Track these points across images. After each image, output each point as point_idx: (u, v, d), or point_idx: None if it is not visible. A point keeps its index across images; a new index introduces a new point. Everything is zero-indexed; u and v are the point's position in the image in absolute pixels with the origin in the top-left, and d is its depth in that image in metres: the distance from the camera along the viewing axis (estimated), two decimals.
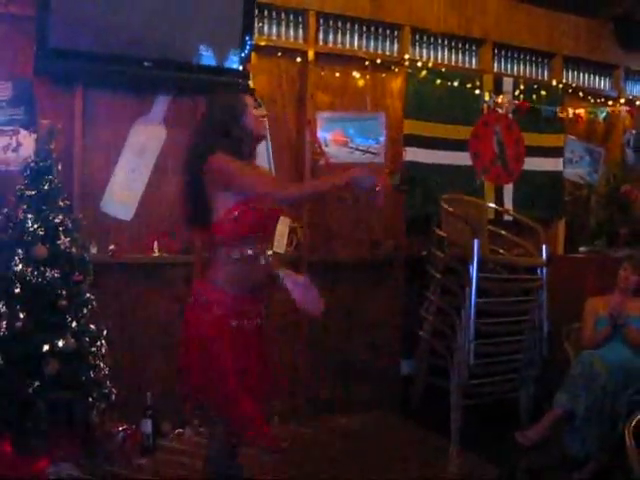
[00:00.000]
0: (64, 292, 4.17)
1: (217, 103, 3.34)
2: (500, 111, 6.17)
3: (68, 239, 4.23)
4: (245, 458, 4.01)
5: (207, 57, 4.92)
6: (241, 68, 5.01)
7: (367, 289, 5.77)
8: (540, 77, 6.62)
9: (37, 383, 4.02)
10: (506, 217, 6.09)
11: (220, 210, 3.16)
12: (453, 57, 6.22)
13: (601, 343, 4.82)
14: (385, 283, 5.82)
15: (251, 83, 5.14)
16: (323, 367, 5.59)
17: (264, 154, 5.32)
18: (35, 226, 4.14)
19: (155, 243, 4.98)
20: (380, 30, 5.86)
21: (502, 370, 5.25)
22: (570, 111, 6.48)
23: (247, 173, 3.17)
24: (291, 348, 5.46)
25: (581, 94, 6.67)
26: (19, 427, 4.04)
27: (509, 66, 6.50)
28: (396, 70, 5.82)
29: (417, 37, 6.02)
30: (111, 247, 4.83)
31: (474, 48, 6.29)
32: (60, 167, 4.36)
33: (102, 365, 4.32)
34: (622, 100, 6.83)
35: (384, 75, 5.81)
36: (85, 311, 4.29)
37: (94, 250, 4.75)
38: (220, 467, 3.32)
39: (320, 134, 5.51)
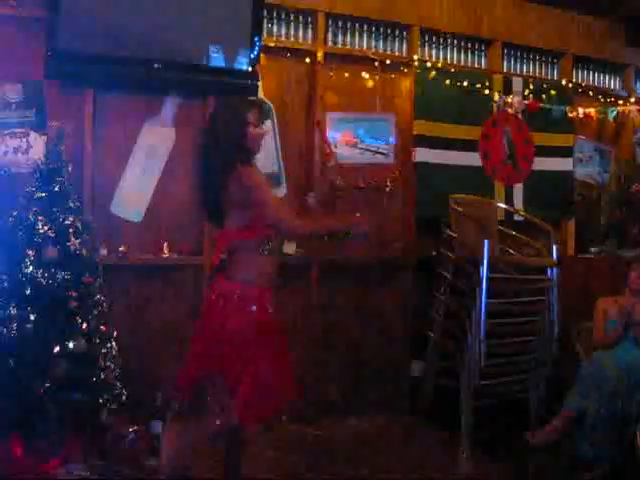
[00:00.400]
0: (74, 294, 4.18)
1: (222, 118, 3.52)
2: (510, 111, 6.15)
3: (78, 241, 4.24)
4: (251, 457, 4.05)
5: (216, 58, 4.93)
6: (250, 69, 5.01)
7: (377, 290, 5.76)
8: (550, 77, 6.61)
9: (47, 384, 4.04)
10: (516, 217, 6.07)
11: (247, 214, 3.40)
12: (462, 57, 6.22)
13: (612, 344, 4.80)
14: (395, 284, 5.82)
15: (260, 84, 5.15)
16: (332, 368, 5.59)
17: (273, 155, 5.33)
18: (45, 228, 4.16)
19: (165, 244, 4.99)
20: (389, 30, 5.86)
21: (512, 371, 5.23)
22: (580, 111, 6.45)
23: (271, 196, 3.47)
24: (300, 349, 5.46)
25: (591, 93, 6.64)
26: (29, 428, 4.06)
27: (518, 66, 6.49)
28: (405, 70, 5.81)
29: (426, 37, 6.02)
30: (121, 249, 4.84)
31: (483, 48, 6.28)
32: (70, 169, 4.38)
33: (112, 366, 4.33)
34: (632, 99, 6.79)
35: (393, 76, 5.80)
36: (95, 312, 4.30)
37: (104, 252, 4.77)
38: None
39: (329, 135, 5.50)
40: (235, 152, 3.40)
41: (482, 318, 4.98)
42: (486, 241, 5.00)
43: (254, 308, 3.38)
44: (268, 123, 5.28)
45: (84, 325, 4.21)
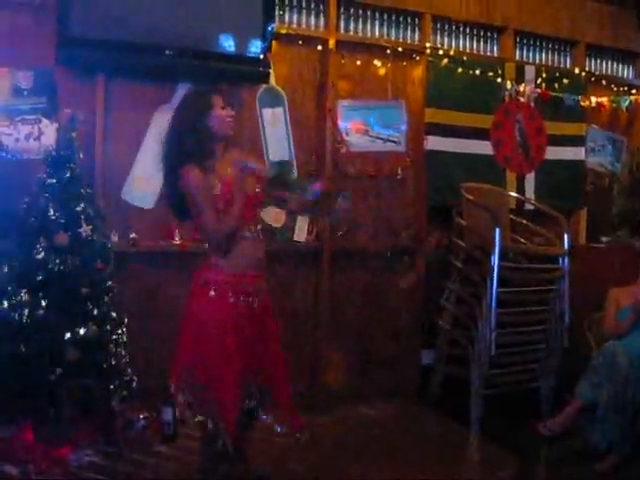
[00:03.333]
0: (86, 280, 4.20)
1: (185, 102, 3.61)
2: (522, 100, 6.11)
3: (90, 227, 4.26)
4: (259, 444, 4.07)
5: (228, 45, 4.92)
6: (262, 56, 5.00)
7: (387, 278, 5.76)
8: (562, 65, 6.55)
9: (59, 371, 4.06)
10: (528, 206, 6.05)
11: None
12: (474, 45, 6.17)
13: (624, 333, 4.78)
14: (405, 272, 5.81)
15: (272, 71, 5.13)
16: (342, 355, 5.59)
17: (284, 142, 5.32)
18: (57, 214, 4.17)
19: (176, 231, 4.99)
20: (401, 18, 5.82)
21: (523, 360, 5.23)
22: (593, 99, 6.41)
23: (205, 207, 3.36)
24: (311, 336, 5.46)
25: (604, 82, 6.59)
26: (41, 414, 4.08)
27: (531, 54, 6.43)
28: (417, 58, 5.78)
29: (438, 25, 5.97)
30: (132, 235, 4.85)
31: (495, 36, 6.23)
32: (81, 155, 4.38)
33: (123, 353, 4.35)
34: None
35: (405, 63, 5.77)
36: (106, 299, 4.32)
37: (115, 238, 4.77)
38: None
39: (341, 123, 5.49)
40: (192, 141, 3.41)
41: (493, 307, 4.99)
42: (497, 230, 4.99)
43: (212, 294, 3.42)
44: (279, 110, 5.28)
45: (95, 311, 4.23)
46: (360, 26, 5.70)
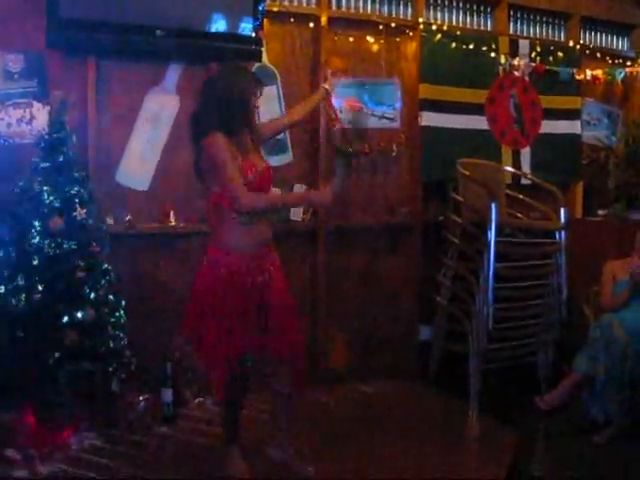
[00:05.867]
0: (82, 263, 4.20)
1: (237, 73, 3.72)
2: (516, 74, 6.08)
3: (84, 210, 4.25)
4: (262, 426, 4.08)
5: (219, 25, 4.89)
6: (254, 35, 4.97)
7: (384, 256, 5.76)
8: (557, 38, 6.51)
9: (57, 354, 4.07)
10: (524, 181, 6.04)
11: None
12: (468, 20, 6.12)
13: (620, 306, 4.79)
14: (402, 249, 5.81)
15: (264, 50, 5.10)
16: (340, 334, 5.59)
17: None
18: (51, 198, 4.16)
19: (171, 213, 4.97)
20: None
21: (521, 334, 5.23)
22: (588, 73, 6.37)
23: (228, 172, 3.46)
24: (309, 316, 5.46)
25: (599, 55, 6.55)
26: (41, 398, 4.09)
27: (525, 28, 6.38)
28: (411, 34, 5.74)
29: (431, 0, 5.93)
30: (127, 217, 4.83)
31: (489, 10, 6.19)
32: (74, 138, 4.37)
33: (121, 335, 4.36)
34: None
35: (398, 39, 5.73)
36: (103, 282, 4.32)
37: (110, 221, 4.76)
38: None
39: (334, 100, 5.46)
40: (225, 116, 3.52)
41: (490, 282, 4.98)
42: (493, 204, 4.97)
43: (219, 269, 3.58)
44: (272, 88, 5.25)
45: (92, 295, 4.23)
46: (352, 2, 5.65)
